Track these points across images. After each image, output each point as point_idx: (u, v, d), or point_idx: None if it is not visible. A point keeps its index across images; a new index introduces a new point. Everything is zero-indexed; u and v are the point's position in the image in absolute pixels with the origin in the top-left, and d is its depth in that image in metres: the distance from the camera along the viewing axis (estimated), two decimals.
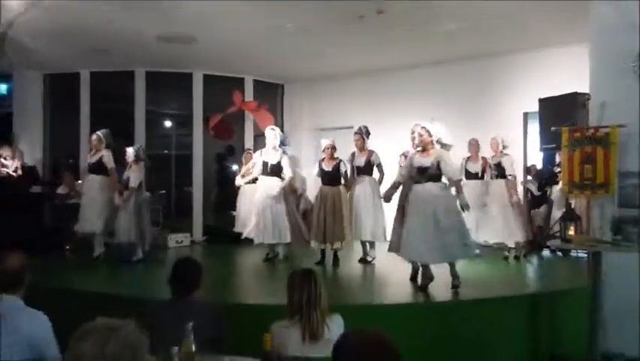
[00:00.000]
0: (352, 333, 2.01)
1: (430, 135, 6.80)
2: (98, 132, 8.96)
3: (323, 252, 8.45)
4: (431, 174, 6.70)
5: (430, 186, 6.70)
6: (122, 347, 1.73)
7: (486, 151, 9.21)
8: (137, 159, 8.89)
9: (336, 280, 7.55)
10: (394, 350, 1.88)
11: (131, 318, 1.94)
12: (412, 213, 6.79)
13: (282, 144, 8.89)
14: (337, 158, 8.61)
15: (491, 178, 9.00)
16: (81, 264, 8.60)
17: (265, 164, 8.66)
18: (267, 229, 8.52)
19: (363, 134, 8.71)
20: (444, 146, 7.01)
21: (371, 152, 8.58)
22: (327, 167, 8.54)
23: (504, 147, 9.08)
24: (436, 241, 6.51)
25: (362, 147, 8.62)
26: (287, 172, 8.65)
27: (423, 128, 6.86)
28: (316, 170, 8.74)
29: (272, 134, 8.77)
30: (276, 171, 8.61)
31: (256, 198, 8.73)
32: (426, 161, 6.76)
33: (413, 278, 7.08)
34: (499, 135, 9.13)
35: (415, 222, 6.67)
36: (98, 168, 8.79)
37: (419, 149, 6.90)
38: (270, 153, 8.69)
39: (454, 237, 6.54)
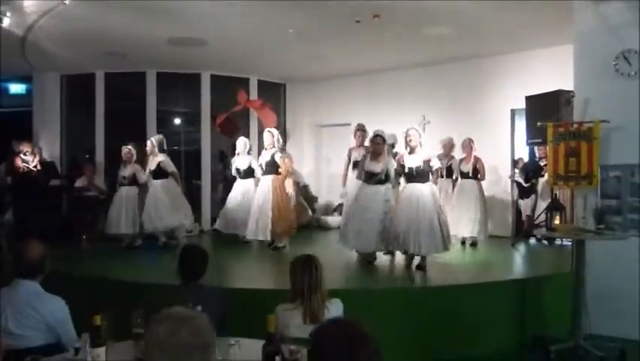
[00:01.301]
0: (328, 324, 1.92)
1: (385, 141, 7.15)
2: (152, 138, 9.04)
3: None
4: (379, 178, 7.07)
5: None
6: (193, 337, 1.70)
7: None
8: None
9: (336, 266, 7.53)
10: (370, 340, 1.79)
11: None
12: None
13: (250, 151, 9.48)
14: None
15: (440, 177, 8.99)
16: (97, 252, 8.59)
17: (237, 170, 9.24)
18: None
19: (361, 130, 8.73)
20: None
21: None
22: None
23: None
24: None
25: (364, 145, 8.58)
26: (257, 174, 9.11)
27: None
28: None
29: (241, 143, 9.32)
30: (248, 174, 9.20)
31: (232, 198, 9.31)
32: (376, 167, 7.10)
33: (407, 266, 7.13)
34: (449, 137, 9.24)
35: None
36: (159, 172, 8.91)
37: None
38: (240, 159, 9.23)
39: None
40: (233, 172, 9.33)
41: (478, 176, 8.96)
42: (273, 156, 8.67)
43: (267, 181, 8.67)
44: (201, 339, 1.72)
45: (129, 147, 9.03)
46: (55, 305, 3.29)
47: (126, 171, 9.02)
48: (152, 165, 8.94)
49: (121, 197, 8.99)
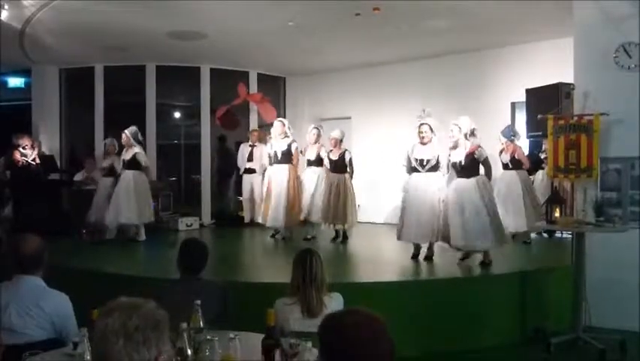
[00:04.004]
0: (342, 313, 1.85)
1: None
2: (125, 131, 8.95)
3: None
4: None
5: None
6: (144, 323, 1.73)
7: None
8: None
9: (337, 259, 7.53)
10: (386, 333, 1.71)
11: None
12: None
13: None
14: (343, 148, 8.79)
15: None
16: (97, 246, 8.57)
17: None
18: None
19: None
20: None
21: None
22: (334, 156, 8.68)
23: None
24: None
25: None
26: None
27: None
28: (325, 160, 8.86)
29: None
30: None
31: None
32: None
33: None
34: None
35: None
36: (133, 163, 8.87)
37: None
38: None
39: None
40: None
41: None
42: (289, 145, 8.85)
43: (284, 170, 8.81)
44: (153, 320, 1.75)
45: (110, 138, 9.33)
46: (60, 302, 3.25)
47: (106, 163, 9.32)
48: (127, 155, 8.91)
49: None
